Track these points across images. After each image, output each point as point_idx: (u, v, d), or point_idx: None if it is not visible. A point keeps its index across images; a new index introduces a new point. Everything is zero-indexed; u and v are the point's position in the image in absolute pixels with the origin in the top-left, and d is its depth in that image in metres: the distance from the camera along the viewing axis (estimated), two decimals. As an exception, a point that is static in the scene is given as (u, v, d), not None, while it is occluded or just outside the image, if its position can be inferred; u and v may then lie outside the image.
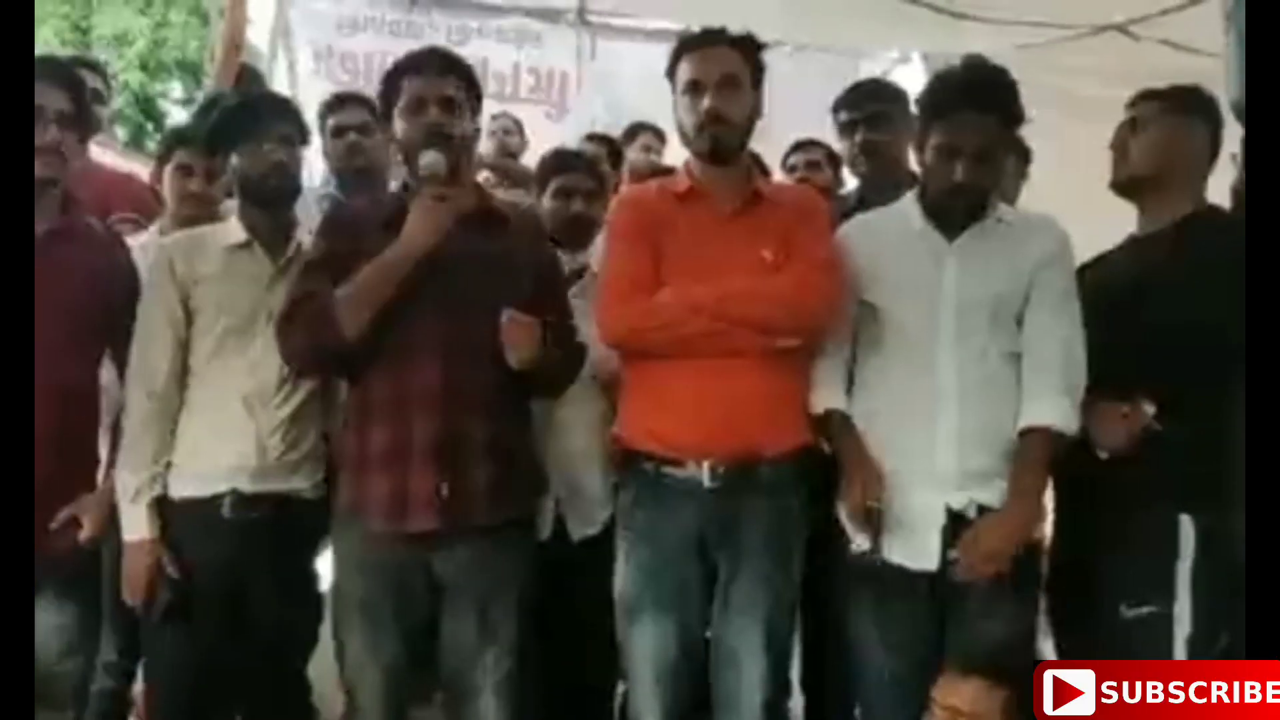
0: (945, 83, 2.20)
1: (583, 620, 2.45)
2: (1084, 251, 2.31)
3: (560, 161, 2.82)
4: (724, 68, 2.19)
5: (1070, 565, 2.26)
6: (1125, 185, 2.32)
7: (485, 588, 2.20)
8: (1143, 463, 2.09)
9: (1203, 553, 2.09)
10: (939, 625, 2.15)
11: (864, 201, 2.76)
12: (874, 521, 2.13)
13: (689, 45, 2.24)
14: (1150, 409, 2.10)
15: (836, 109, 2.98)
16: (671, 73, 2.26)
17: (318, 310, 2.13)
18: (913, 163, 2.40)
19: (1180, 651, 2.06)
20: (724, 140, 2.20)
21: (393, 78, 2.25)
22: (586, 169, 2.82)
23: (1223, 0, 2.00)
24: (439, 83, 2.20)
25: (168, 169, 2.69)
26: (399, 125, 2.22)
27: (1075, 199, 2.43)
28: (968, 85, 2.15)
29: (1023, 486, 2.11)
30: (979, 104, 2.12)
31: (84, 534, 2.22)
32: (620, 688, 2.60)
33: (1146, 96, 2.32)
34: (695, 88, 2.19)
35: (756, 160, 2.44)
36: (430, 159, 2.14)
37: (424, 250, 2.11)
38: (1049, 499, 2.29)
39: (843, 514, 2.20)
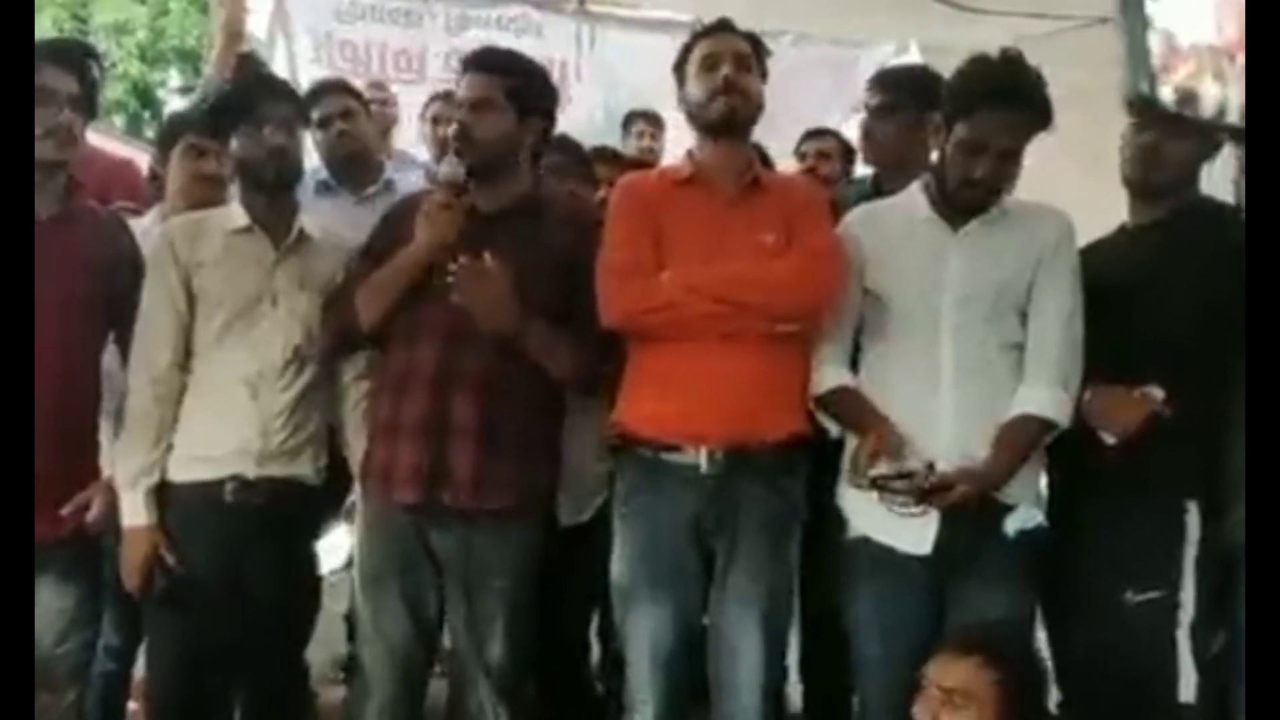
0: (978, 77, 2.14)
1: (568, 608, 2.45)
2: (1082, 241, 2.28)
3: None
4: (740, 49, 2.25)
5: (1069, 552, 2.25)
6: (1140, 188, 2.30)
7: (474, 573, 2.23)
8: (1150, 449, 2.10)
9: (1207, 539, 2.11)
10: (937, 609, 2.15)
11: (879, 189, 2.70)
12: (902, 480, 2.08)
13: (703, 33, 2.29)
14: (1159, 394, 2.11)
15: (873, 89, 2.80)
16: (681, 63, 2.28)
17: (348, 300, 2.26)
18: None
19: (1183, 637, 2.08)
20: (739, 110, 2.22)
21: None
22: (573, 154, 2.82)
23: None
24: (473, 84, 2.26)
25: (175, 152, 2.65)
26: None
27: (1072, 189, 2.44)
28: (1001, 82, 2.10)
29: (997, 461, 2.10)
30: (1011, 103, 2.08)
31: (91, 515, 2.22)
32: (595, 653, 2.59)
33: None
34: (712, 62, 2.23)
35: (758, 150, 2.44)
36: (445, 169, 2.23)
37: (426, 254, 2.19)
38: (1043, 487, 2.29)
39: (847, 494, 2.20)
